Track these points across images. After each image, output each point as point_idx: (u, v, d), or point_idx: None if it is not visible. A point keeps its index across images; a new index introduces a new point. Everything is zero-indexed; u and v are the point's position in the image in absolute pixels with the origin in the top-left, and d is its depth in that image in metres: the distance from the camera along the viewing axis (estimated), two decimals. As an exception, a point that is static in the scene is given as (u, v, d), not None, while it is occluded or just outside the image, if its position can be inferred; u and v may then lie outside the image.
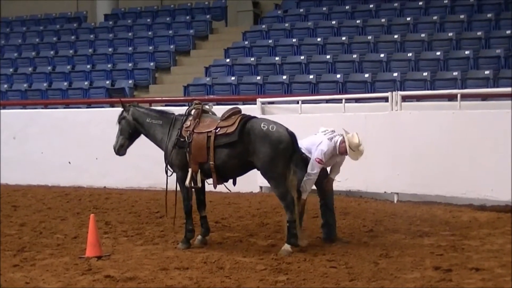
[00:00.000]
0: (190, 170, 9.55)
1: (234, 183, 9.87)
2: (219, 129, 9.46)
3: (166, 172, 9.88)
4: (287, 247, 9.21)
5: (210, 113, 9.95)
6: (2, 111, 18.54)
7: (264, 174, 9.44)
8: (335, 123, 13.25)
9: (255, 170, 9.68)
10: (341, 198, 13.11)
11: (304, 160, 9.53)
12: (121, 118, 10.33)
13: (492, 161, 11.50)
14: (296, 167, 9.33)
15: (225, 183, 9.79)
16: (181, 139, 9.65)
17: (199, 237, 9.91)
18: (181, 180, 9.76)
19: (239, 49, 22.65)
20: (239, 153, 9.35)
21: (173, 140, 9.74)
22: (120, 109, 10.53)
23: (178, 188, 9.88)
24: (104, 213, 12.66)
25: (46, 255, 9.52)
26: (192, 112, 9.85)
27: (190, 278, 8.14)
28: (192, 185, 9.62)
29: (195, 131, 9.58)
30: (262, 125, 9.31)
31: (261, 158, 9.21)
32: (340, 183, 13.24)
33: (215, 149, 9.41)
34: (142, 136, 10.34)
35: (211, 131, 9.49)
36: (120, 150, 10.37)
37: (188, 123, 9.72)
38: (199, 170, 9.55)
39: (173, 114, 10.12)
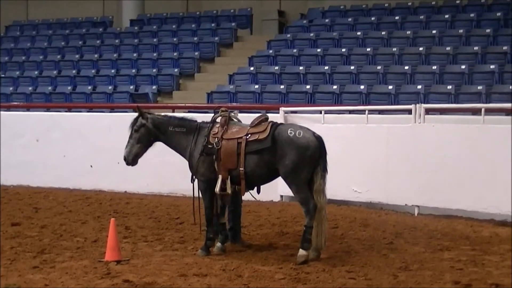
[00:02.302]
0: (220, 176, 9.51)
1: (258, 191, 9.82)
2: (249, 135, 9.44)
3: (192, 179, 9.86)
4: (301, 252, 9.21)
5: (235, 120, 9.94)
6: (25, 113, 18.69)
7: (286, 179, 9.41)
8: (358, 134, 13.38)
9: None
10: (361, 210, 13.08)
11: None
12: (139, 126, 9.94)
13: (515, 177, 11.41)
14: (324, 172, 9.33)
15: (250, 191, 9.76)
16: (209, 146, 9.59)
17: (218, 244, 9.89)
18: (203, 187, 9.73)
19: (263, 57, 22.68)
20: (269, 159, 9.34)
21: (199, 147, 9.69)
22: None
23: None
24: (124, 218, 12.68)
25: (66, 257, 9.54)
26: (219, 119, 9.80)
27: (209, 285, 8.14)
28: (222, 192, 9.56)
29: (224, 137, 9.55)
30: (289, 131, 9.32)
31: (287, 164, 9.21)
32: (361, 194, 13.28)
33: (246, 156, 9.40)
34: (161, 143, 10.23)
35: (241, 137, 9.46)
36: (135, 159, 9.99)
37: (215, 130, 9.67)
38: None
39: (196, 121, 10.03)
